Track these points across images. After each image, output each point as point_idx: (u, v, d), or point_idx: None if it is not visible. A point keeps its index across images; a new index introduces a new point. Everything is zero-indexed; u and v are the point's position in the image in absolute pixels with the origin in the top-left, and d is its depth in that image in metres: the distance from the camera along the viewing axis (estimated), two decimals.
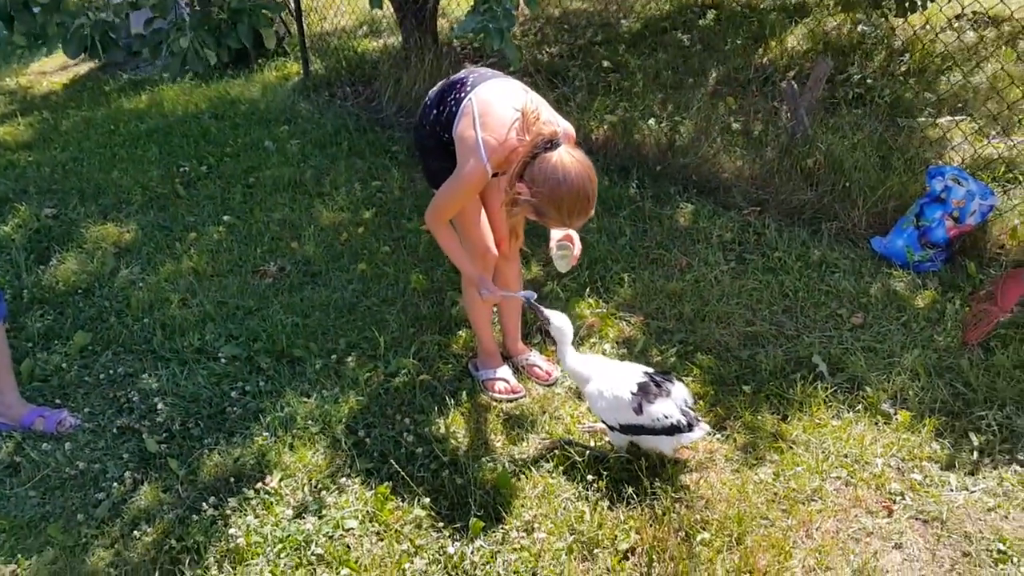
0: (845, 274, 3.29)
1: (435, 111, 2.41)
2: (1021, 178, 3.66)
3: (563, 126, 2.27)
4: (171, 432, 2.74)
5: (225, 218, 4.14)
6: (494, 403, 2.75)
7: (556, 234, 2.46)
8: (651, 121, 4.38)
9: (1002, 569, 2.04)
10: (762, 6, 5.68)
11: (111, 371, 3.09)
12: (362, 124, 5.17)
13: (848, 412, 2.62)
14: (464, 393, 2.79)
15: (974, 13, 5.08)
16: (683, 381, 2.53)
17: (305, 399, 2.81)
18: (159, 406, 2.85)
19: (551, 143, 2.13)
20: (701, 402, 2.70)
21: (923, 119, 4.13)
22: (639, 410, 2.25)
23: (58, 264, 3.87)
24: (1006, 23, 4.82)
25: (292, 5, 5.97)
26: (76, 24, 2.99)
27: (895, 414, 2.59)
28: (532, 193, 2.16)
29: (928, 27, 4.66)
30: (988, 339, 2.85)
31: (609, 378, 2.34)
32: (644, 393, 2.27)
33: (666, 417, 2.24)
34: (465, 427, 2.64)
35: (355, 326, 3.20)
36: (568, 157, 2.13)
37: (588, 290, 3.30)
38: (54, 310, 3.52)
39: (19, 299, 3.58)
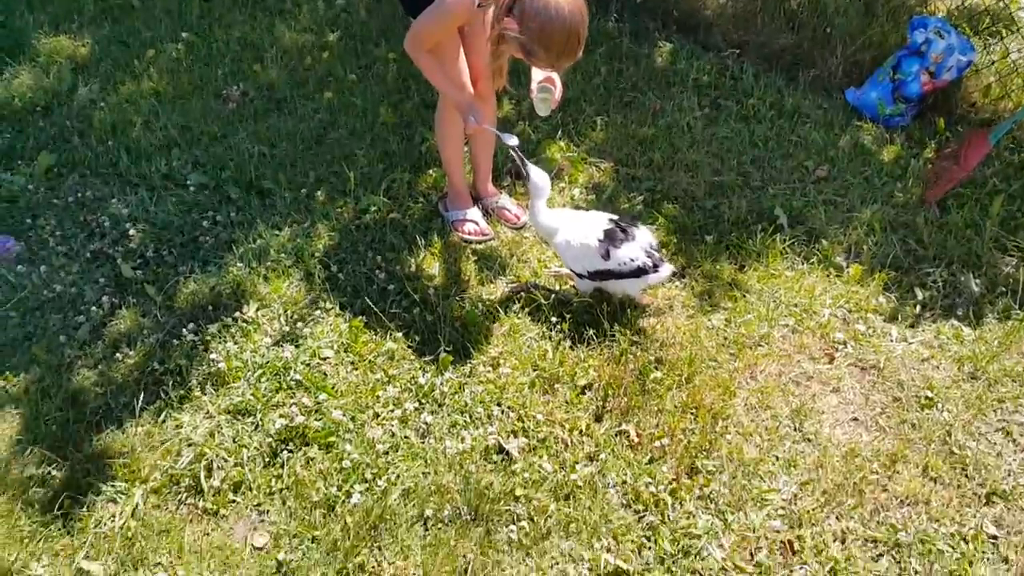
0: (816, 125, 3.31)
1: None
2: (1004, 32, 3.60)
3: None
4: (145, 259, 2.78)
5: (183, 35, 3.93)
6: (463, 244, 2.82)
7: (537, 75, 2.42)
8: None
9: (927, 413, 2.25)
10: None
11: (79, 194, 3.06)
12: None
13: (803, 264, 2.74)
14: (434, 233, 2.84)
15: None
16: (647, 226, 2.60)
17: (277, 232, 2.84)
18: (131, 232, 2.87)
19: None
20: (664, 251, 2.79)
21: None
22: (606, 255, 2.34)
23: (12, 78, 3.70)
24: None
25: None
26: None
27: (847, 267, 2.72)
28: (521, 30, 2.09)
29: None
30: (946, 198, 2.94)
31: (576, 228, 2.40)
32: (610, 239, 2.35)
33: (632, 260, 2.34)
34: (435, 267, 2.72)
35: (323, 159, 3.18)
36: None
37: (560, 132, 3.28)
38: (12, 128, 3.42)
39: None
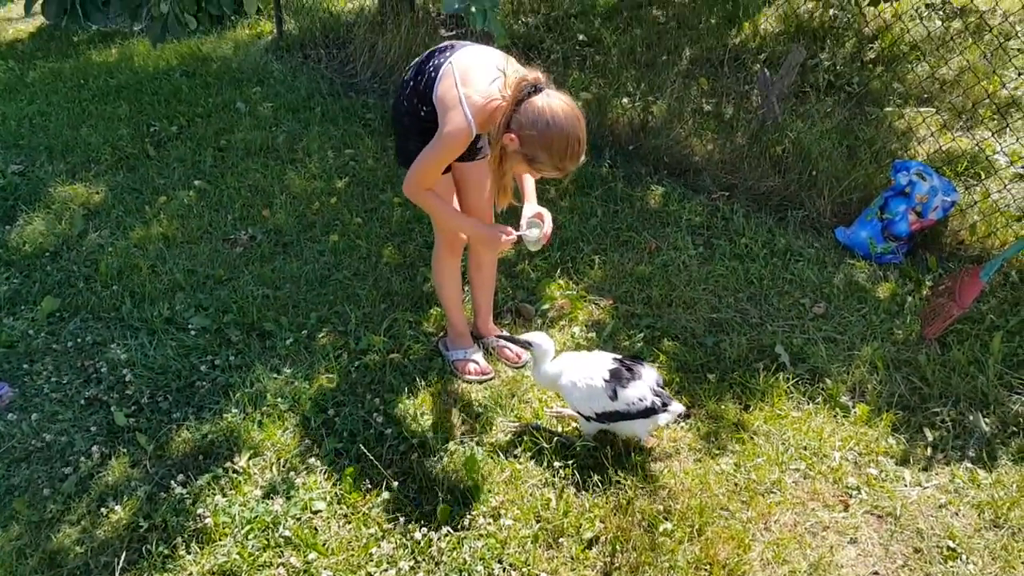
0: (809, 263, 3.36)
1: (413, 82, 2.37)
2: (982, 174, 3.74)
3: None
4: (139, 405, 2.74)
5: (196, 183, 4.07)
6: (464, 384, 2.79)
7: (527, 212, 2.48)
8: (624, 100, 4.37)
9: (952, 566, 2.13)
10: None
11: (79, 339, 3.06)
12: (336, 89, 5.09)
13: (808, 403, 2.70)
14: (434, 373, 2.82)
15: (943, 1, 5.13)
16: (652, 364, 2.58)
17: (275, 375, 2.82)
18: (128, 377, 2.85)
19: (535, 88, 2.12)
20: (667, 390, 2.76)
21: (890, 108, 4.18)
22: (614, 396, 2.30)
23: (25, 224, 3.80)
24: (972, 16, 4.86)
25: None
26: None
27: (853, 407, 2.67)
28: (521, 140, 2.14)
29: (897, 15, 4.69)
30: (945, 334, 2.94)
31: (581, 368, 2.38)
32: (617, 379, 2.32)
33: (640, 400, 2.30)
34: (434, 409, 2.67)
35: (326, 300, 3.20)
36: (555, 98, 2.13)
37: (559, 271, 3.33)
38: (20, 273, 3.47)
39: None
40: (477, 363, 2.83)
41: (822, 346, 2.92)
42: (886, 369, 2.81)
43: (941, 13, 5.16)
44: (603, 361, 2.40)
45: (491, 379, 2.81)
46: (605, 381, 2.32)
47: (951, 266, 3.34)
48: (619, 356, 2.45)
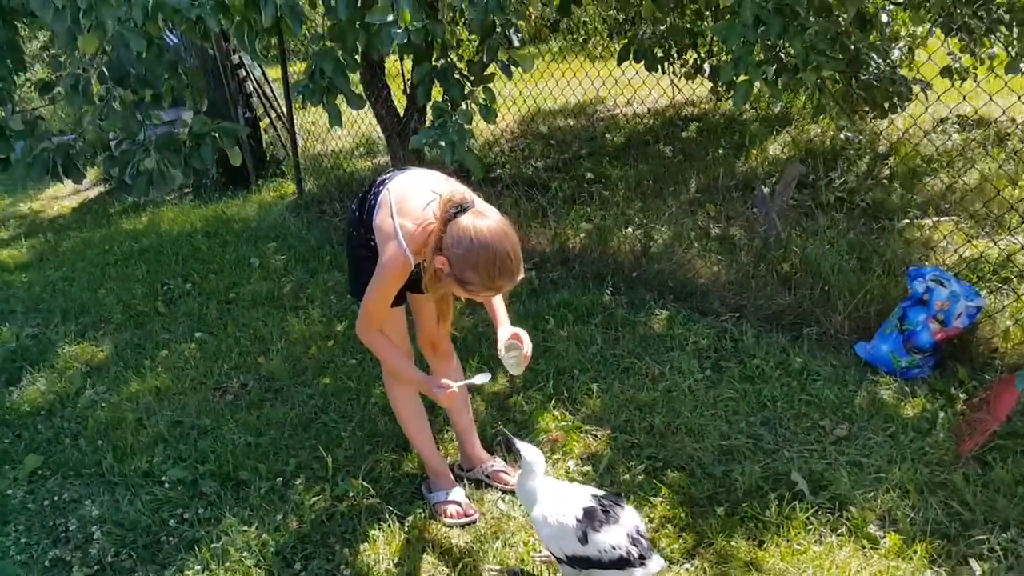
0: (827, 382, 3.10)
1: (358, 212, 2.34)
2: (1014, 279, 3.50)
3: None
4: (102, 564, 2.57)
5: (197, 335, 4.08)
6: (445, 528, 2.55)
7: (503, 334, 2.35)
8: (628, 229, 4.33)
9: None
10: (744, 118, 5.74)
11: (56, 497, 2.95)
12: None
13: (831, 536, 2.38)
14: (413, 517, 2.59)
15: (959, 116, 5.09)
16: (635, 506, 2.33)
17: (245, 527, 2.63)
18: (96, 535, 2.70)
19: (461, 207, 2.05)
20: (669, 526, 2.47)
21: (906, 221, 4.03)
22: (584, 539, 2.04)
23: (28, 385, 3.81)
24: (993, 125, 4.80)
25: (286, 127, 6.17)
26: (40, 148, 3.05)
27: (883, 537, 2.35)
28: (450, 262, 2.06)
29: (913, 130, 4.64)
30: (984, 451, 2.62)
31: (554, 502, 2.14)
32: (589, 519, 2.06)
33: (614, 548, 2.02)
34: (410, 557, 2.43)
35: (308, 444, 3.05)
36: (479, 217, 2.05)
37: (554, 401, 3.14)
38: (12, 432, 3.43)
39: None
40: (459, 504, 2.60)
41: (845, 471, 2.62)
42: (919, 493, 2.49)
43: (956, 127, 5.12)
44: (580, 496, 2.15)
45: (474, 521, 2.57)
46: (577, 520, 2.05)
47: (986, 377, 3.04)
48: (600, 492, 2.18)
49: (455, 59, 3.17)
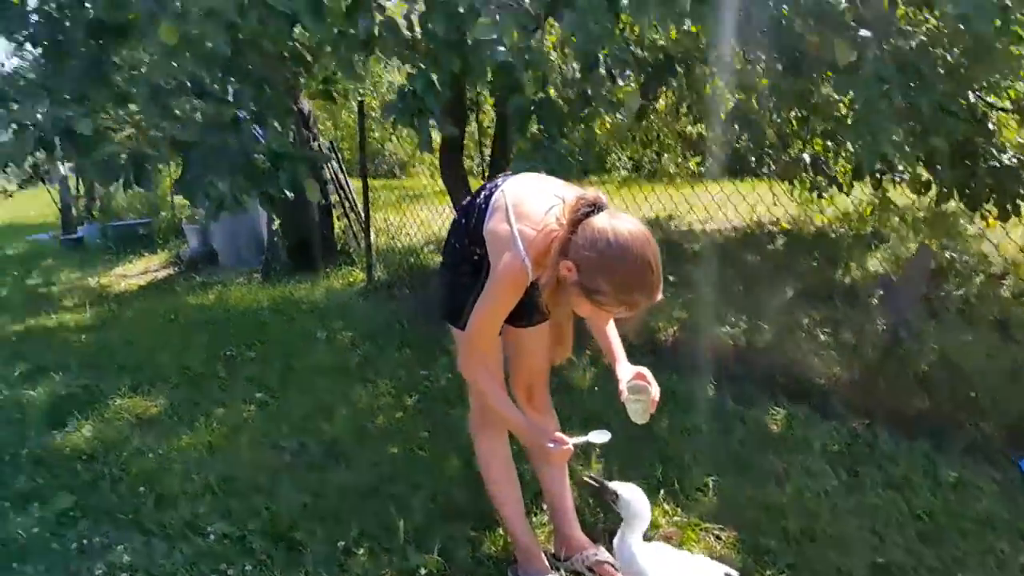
0: (994, 499, 2.61)
1: (463, 221, 2.04)
2: None
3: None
4: None
5: (257, 395, 3.79)
6: None
7: (624, 373, 1.98)
8: (724, 328, 3.99)
9: None
10: (833, 236, 5.49)
11: (84, 540, 2.61)
12: (417, 318, 4.94)
13: None
14: None
15: None
16: None
17: None
18: None
19: (595, 206, 1.75)
20: None
21: None
22: None
23: (72, 430, 3.53)
24: None
25: (359, 219, 6.14)
26: (109, 152, 2.93)
27: None
28: (579, 268, 1.72)
29: None
30: None
31: (676, 573, 1.72)
32: None
33: None
34: None
35: (373, 511, 2.65)
36: (618, 218, 1.75)
37: (663, 493, 2.70)
38: (48, 472, 3.12)
39: (17, 458, 3.24)
40: None
41: None
42: None
43: None
44: (710, 572, 1.74)
45: None
46: None
47: None
48: (733, 573, 1.80)
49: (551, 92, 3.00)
